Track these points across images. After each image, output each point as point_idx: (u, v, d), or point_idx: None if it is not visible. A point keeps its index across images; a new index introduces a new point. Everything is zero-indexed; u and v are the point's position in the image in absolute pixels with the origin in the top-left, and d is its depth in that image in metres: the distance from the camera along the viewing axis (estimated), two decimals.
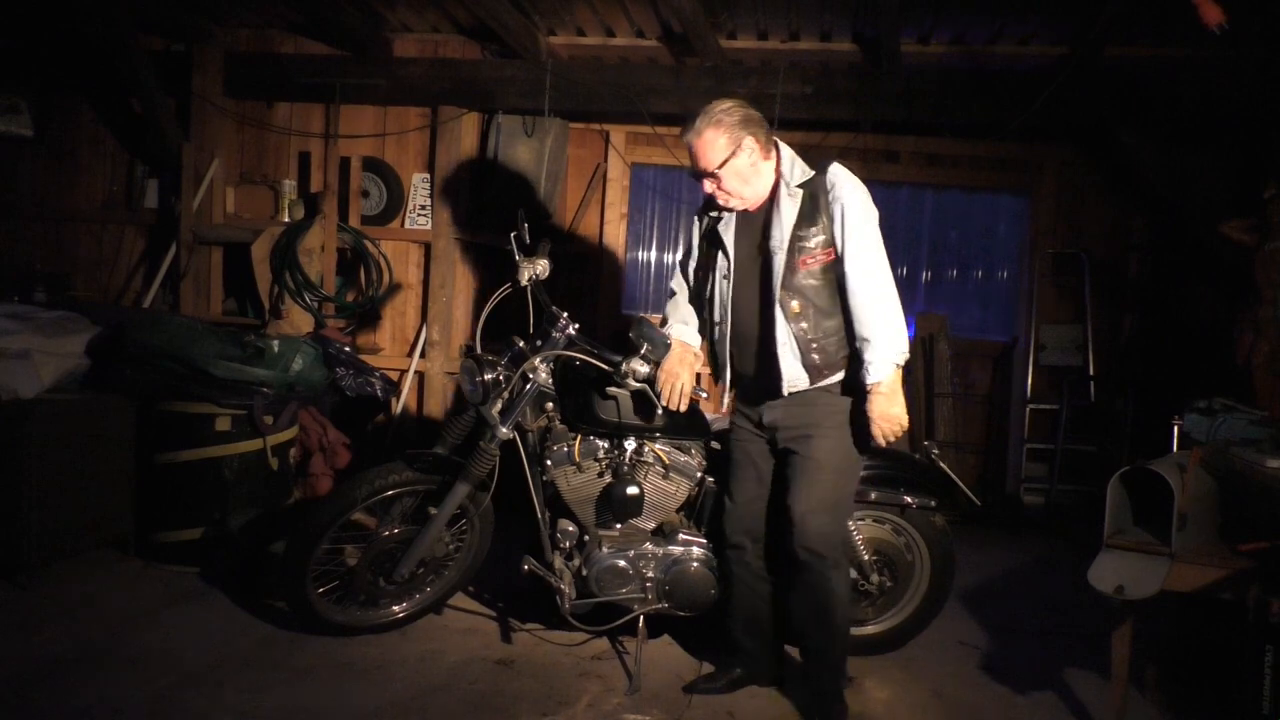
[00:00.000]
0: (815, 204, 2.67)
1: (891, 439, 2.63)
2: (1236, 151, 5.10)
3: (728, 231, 2.81)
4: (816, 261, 2.66)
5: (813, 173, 2.72)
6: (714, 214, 2.86)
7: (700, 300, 2.95)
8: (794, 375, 2.68)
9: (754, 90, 5.09)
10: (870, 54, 5.06)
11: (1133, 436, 5.35)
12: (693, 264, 2.98)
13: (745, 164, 2.69)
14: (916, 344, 5.87)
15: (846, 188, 2.67)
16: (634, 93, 5.19)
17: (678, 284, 3.07)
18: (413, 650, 3.17)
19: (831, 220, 2.66)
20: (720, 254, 2.81)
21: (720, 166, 2.67)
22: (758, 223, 2.77)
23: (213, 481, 3.79)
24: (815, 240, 2.65)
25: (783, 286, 2.65)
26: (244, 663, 3.00)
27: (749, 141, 2.68)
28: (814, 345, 2.67)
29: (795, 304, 2.65)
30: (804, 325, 2.65)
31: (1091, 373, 5.73)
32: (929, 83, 5.02)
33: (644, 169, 6.18)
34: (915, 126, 5.51)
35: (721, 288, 2.81)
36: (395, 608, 3.30)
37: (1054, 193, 5.85)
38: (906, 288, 6.13)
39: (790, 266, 2.65)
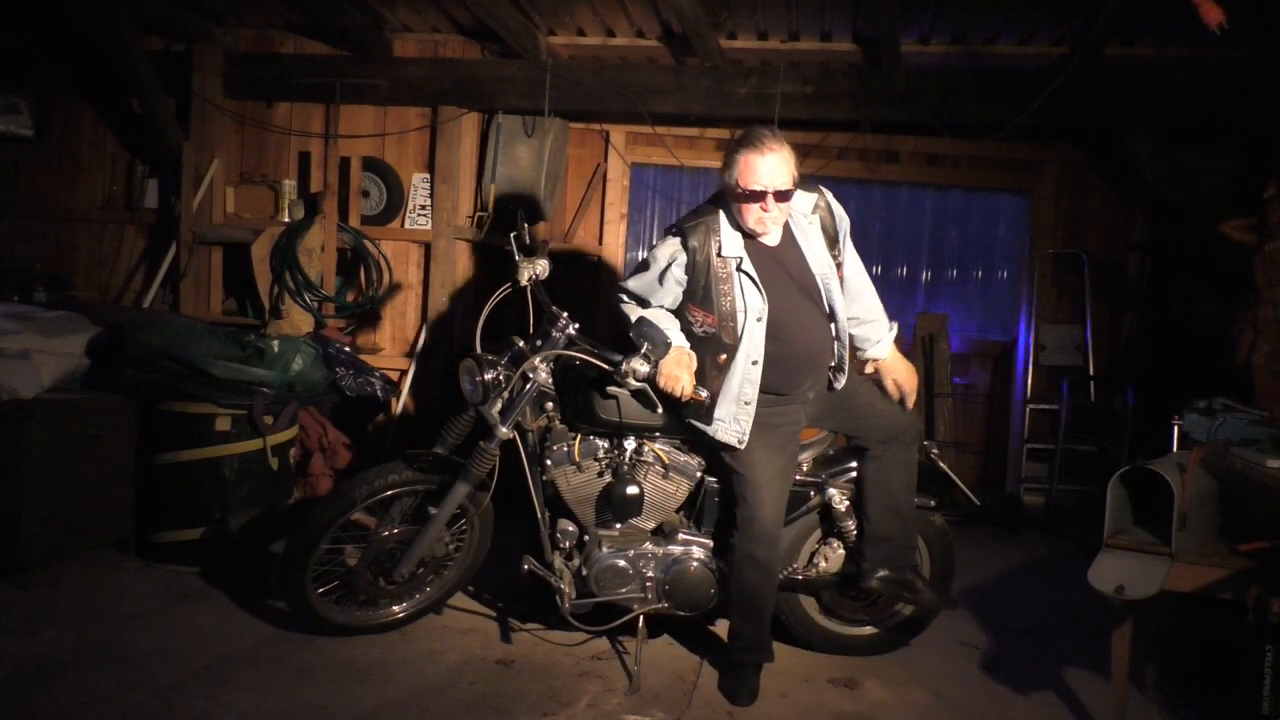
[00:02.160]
0: (825, 226, 2.92)
1: (909, 390, 3.05)
2: (1236, 151, 5.10)
3: (753, 271, 2.80)
4: (840, 275, 2.95)
5: (813, 195, 2.90)
6: (721, 252, 2.80)
7: (706, 336, 2.85)
8: (847, 374, 3.02)
9: (754, 90, 5.09)
10: (870, 54, 5.06)
11: (1133, 436, 5.35)
12: (669, 298, 2.90)
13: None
14: (916, 344, 5.87)
15: (839, 205, 2.98)
16: (634, 93, 5.19)
17: (639, 308, 2.98)
18: (413, 650, 3.17)
19: (836, 237, 2.95)
20: (755, 295, 2.79)
21: (793, 186, 2.75)
22: (785, 252, 2.88)
23: (213, 481, 3.79)
24: (838, 260, 2.94)
25: (843, 311, 2.93)
26: (244, 663, 3.00)
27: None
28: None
29: (844, 320, 2.94)
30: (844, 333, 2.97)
31: (1091, 373, 5.73)
32: (929, 83, 5.02)
33: (644, 169, 6.18)
34: (915, 126, 5.51)
35: (754, 330, 2.79)
36: (395, 608, 3.30)
37: (1054, 193, 5.85)
38: (906, 288, 6.13)
39: (838, 290, 2.91)
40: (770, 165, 2.68)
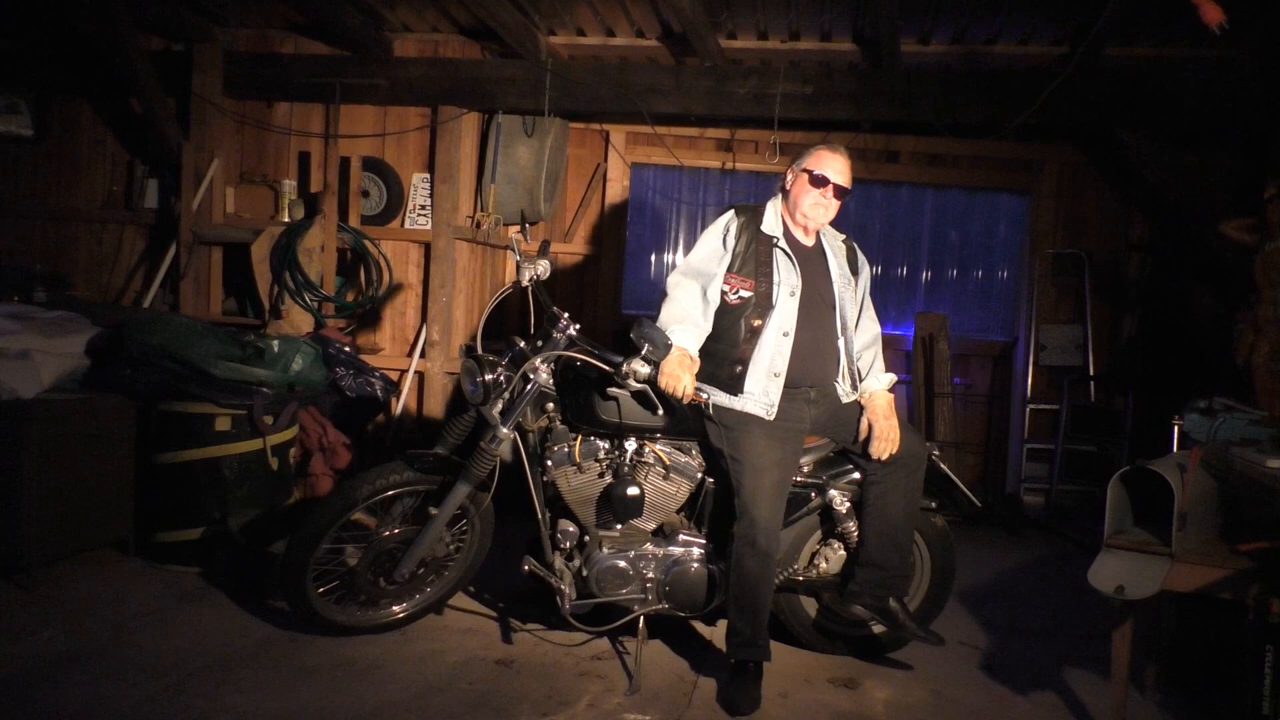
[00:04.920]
0: (849, 257, 3.20)
1: (880, 435, 3.01)
2: (1236, 151, 5.09)
3: (790, 251, 3.02)
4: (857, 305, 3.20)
5: (843, 236, 3.24)
6: (764, 231, 3.03)
7: (741, 302, 2.97)
8: (850, 389, 3.14)
9: (754, 90, 5.09)
10: (870, 54, 5.06)
11: (1133, 436, 5.36)
12: (722, 268, 3.01)
13: None
14: (917, 344, 5.87)
15: (864, 256, 3.27)
16: (634, 93, 5.19)
17: (692, 286, 3.00)
18: (413, 650, 3.17)
19: (857, 277, 3.19)
20: (790, 271, 3.00)
21: (848, 187, 3.05)
22: (815, 257, 3.10)
23: (213, 481, 3.79)
24: (856, 285, 3.18)
25: (854, 331, 3.13)
26: (244, 663, 3.00)
27: None
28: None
29: (856, 340, 3.14)
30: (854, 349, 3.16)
31: (1091, 373, 5.73)
32: (929, 83, 5.02)
33: (644, 169, 6.18)
34: (915, 126, 5.51)
35: (787, 303, 2.97)
36: (396, 608, 3.30)
37: (1054, 193, 5.86)
38: (906, 288, 6.14)
39: (851, 307, 3.12)
40: (838, 163, 3.03)
